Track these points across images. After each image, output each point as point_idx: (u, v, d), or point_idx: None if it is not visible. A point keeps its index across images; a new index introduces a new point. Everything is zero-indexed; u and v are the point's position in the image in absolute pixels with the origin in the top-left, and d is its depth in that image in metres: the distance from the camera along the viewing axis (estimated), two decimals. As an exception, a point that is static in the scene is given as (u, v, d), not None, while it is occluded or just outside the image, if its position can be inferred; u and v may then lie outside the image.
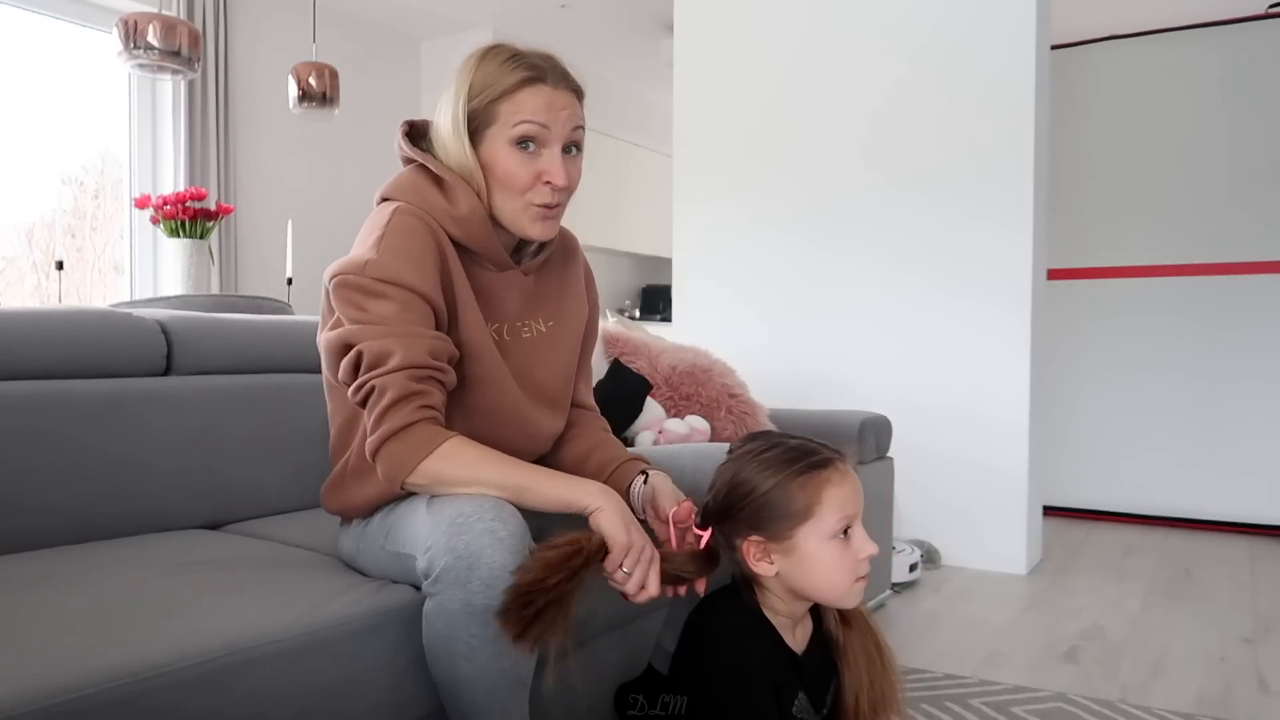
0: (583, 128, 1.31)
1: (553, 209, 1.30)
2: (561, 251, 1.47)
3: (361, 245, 1.25)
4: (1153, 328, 4.01)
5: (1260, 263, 3.82)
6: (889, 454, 2.68)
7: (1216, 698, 1.99)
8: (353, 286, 1.21)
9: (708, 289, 3.62)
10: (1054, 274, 4.04)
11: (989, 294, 3.09)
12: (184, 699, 0.95)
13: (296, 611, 1.12)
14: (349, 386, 1.21)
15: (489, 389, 1.32)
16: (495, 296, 1.34)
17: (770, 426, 2.39)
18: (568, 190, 1.30)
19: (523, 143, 1.26)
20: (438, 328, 1.25)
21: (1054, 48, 4.03)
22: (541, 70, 1.27)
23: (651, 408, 2.24)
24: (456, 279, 1.28)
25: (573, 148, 1.30)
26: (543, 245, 1.41)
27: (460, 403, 1.29)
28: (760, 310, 3.50)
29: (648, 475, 1.39)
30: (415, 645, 1.20)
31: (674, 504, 1.31)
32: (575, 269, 1.49)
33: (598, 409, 1.56)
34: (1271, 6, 3.88)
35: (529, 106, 1.25)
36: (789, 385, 3.38)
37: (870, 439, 2.50)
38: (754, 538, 1.22)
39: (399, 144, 1.35)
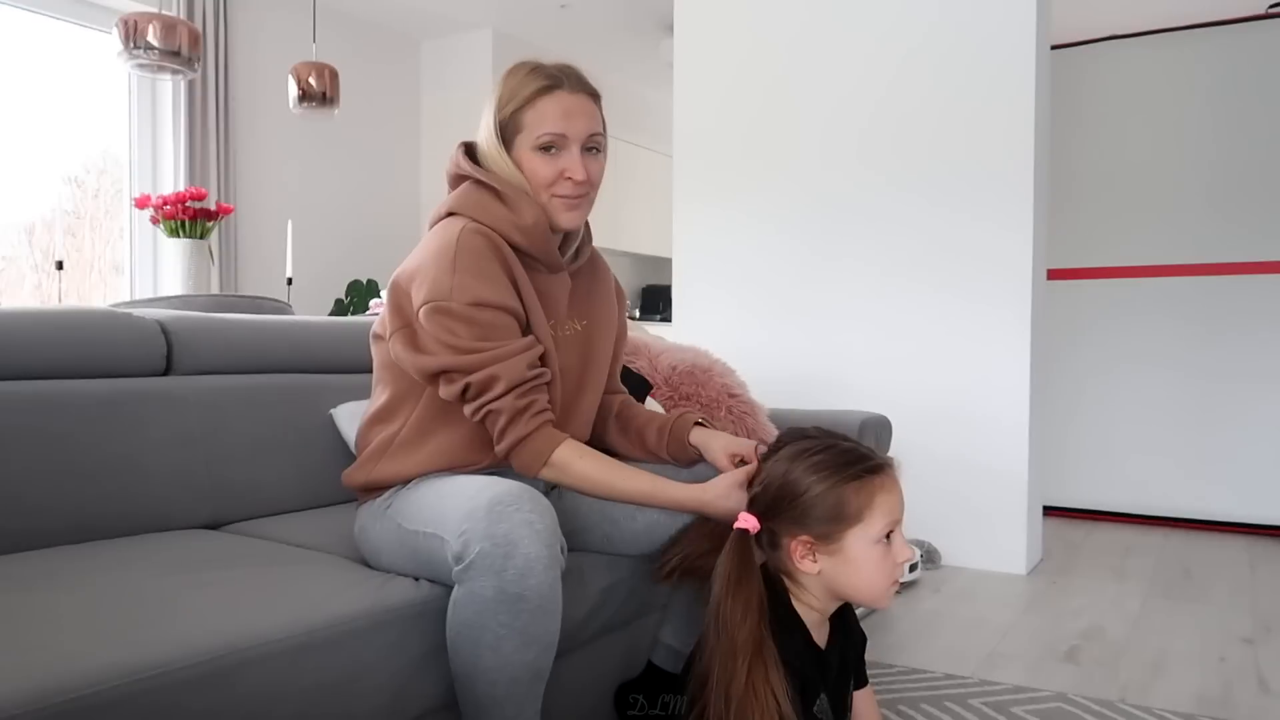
0: (601, 133, 1.45)
1: (576, 200, 1.42)
2: (591, 259, 1.59)
3: (436, 266, 1.33)
4: (1153, 328, 4.01)
5: (1260, 263, 3.82)
6: (889, 454, 2.67)
7: (1216, 698, 1.99)
8: (443, 313, 1.31)
9: (708, 289, 3.62)
10: (1054, 274, 4.04)
11: (989, 294, 3.09)
12: (184, 699, 0.95)
13: (296, 610, 1.12)
14: (461, 405, 1.35)
15: (554, 387, 1.42)
16: (551, 296, 1.46)
17: (770, 426, 2.39)
18: (588, 184, 1.42)
19: (545, 147, 1.39)
20: (521, 332, 1.37)
21: (1054, 48, 4.03)
22: (557, 78, 1.40)
23: (651, 407, 2.24)
24: (523, 285, 1.38)
25: (593, 148, 1.43)
26: (579, 251, 1.52)
27: None
28: (760, 310, 3.50)
29: (700, 423, 1.54)
30: (416, 643, 1.21)
31: (727, 458, 1.44)
32: (605, 274, 1.62)
33: (626, 389, 1.72)
34: (1271, 6, 3.88)
35: (550, 115, 1.38)
36: (789, 385, 3.38)
37: (870, 439, 2.50)
38: (802, 537, 1.24)
39: (456, 162, 1.45)
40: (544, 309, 1.43)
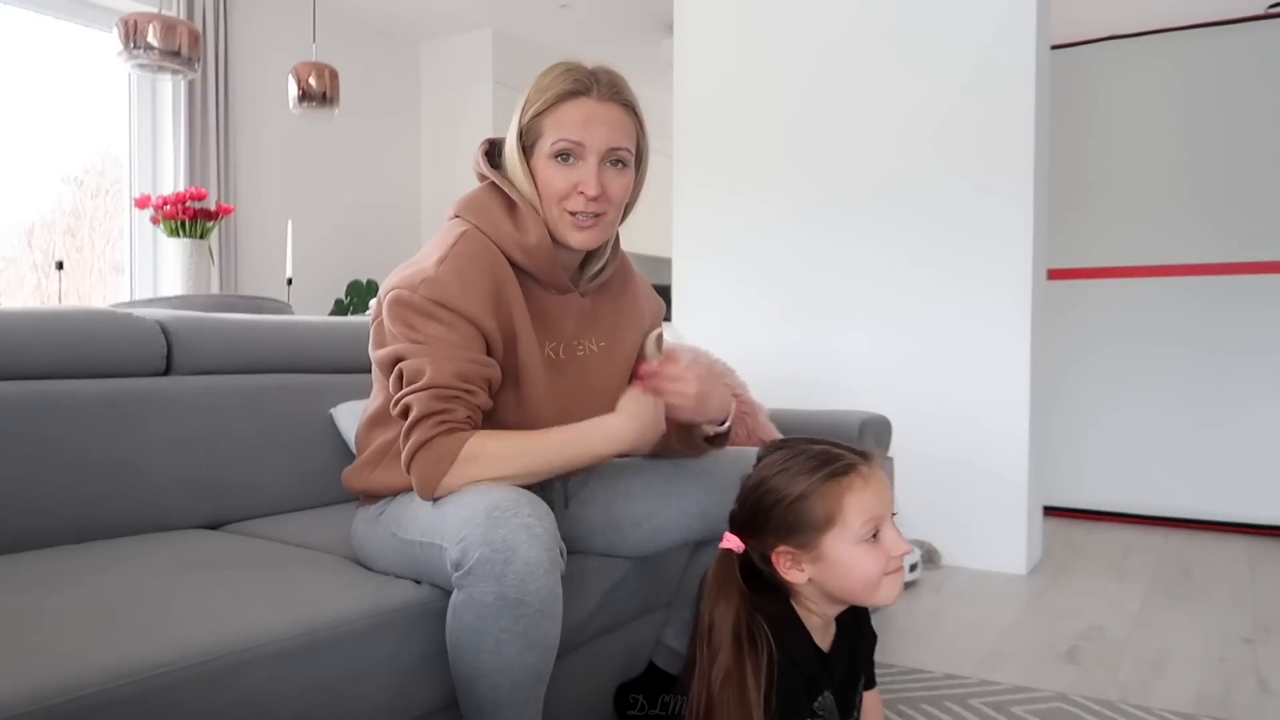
0: (626, 147, 1.32)
1: (589, 219, 1.32)
2: (621, 275, 1.50)
3: (425, 260, 1.28)
4: (1153, 328, 4.01)
5: (1260, 263, 3.82)
6: (889, 454, 2.68)
7: (1216, 698, 1.99)
8: (405, 304, 1.25)
9: (707, 289, 3.62)
10: (1054, 274, 4.04)
11: (989, 294, 3.09)
12: (184, 699, 0.95)
13: (296, 611, 1.12)
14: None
15: (538, 410, 1.35)
16: (553, 318, 1.38)
17: (770, 426, 2.39)
18: (605, 200, 1.31)
19: (561, 155, 1.30)
20: (490, 352, 1.28)
21: (1054, 48, 4.03)
22: (586, 84, 1.29)
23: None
24: (515, 306, 1.31)
25: (618, 162, 1.32)
26: (601, 269, 1.43)
27: (511, 423, 1.32)
28: (760, 310, 3.50)
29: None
30: (416, 644, 1.20)
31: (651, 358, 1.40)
32: (633, 292, 1.52)
33: None
34: (1271, 6, 3.88)
35: (568, 121, 1.28)
36: (789, 385, 3.38)
37: (870, 439, 2.50)
38: (783, 548, 1.23)
39: (477, 161, 1.38)
40: (544, 330, 1.36)
